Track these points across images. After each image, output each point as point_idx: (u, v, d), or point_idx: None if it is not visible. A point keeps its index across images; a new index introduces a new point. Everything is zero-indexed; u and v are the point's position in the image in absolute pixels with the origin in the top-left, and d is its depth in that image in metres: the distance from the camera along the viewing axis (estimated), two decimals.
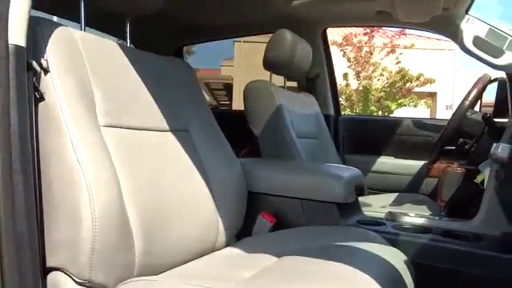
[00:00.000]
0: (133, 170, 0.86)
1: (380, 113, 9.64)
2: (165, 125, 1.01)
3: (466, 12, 1.56)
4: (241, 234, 1.15)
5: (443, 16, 1.53)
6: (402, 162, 2.03)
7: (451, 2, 1.38)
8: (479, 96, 1.60)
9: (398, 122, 2.09)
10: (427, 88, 10.23)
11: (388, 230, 1.16)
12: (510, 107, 1.70)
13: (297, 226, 1.16)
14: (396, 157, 2.06)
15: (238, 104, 8.22)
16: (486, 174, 1.41)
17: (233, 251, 1.04)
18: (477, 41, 1.63)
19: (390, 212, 1.38)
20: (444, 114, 11.04)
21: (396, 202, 1.78)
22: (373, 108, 9.63)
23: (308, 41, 1.78)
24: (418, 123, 2.03)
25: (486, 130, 1.44)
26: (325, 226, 1.14)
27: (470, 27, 1.64)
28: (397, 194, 1.89)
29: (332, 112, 2.18)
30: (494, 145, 1.19)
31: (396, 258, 0.91)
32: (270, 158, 1.58)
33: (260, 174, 1.29)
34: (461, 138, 1.52)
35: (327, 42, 2.12)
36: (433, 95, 11.45)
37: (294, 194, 1.23)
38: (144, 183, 0.88)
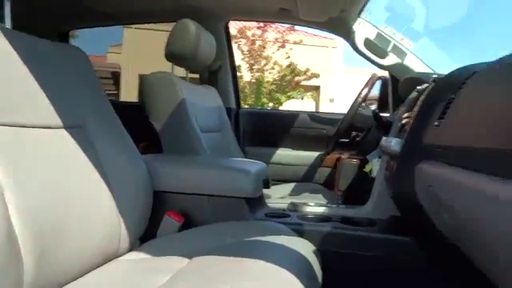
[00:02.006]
0: (22, 174, 0.74)
1: (271, 104, 10.06)
2: (57, 121, 0.89)
3: (359, 15, 1.69)
4: (144, 236, 1.08)
5: (339, 17, 1.63)
6: (299, 153, 2.13)
7: (347, 4, 1.48)
8: (369, 93, 1.76)
9: (295, 115, 2.19)
10: (312, 82, 10.98)
11: (294, 221, 1.21)
12: (390, 102, 1.89)
13: (206, 223, 1.13)
14: (293, 148, 2.15)
15: (126, 95, 7.75)
16: (373, 164, 1.55)
17: (139, 256, 0.97)
18: (367, 42, 1.78)
19: (292, 203, 1.43)
20: (327, 106, 11.98)
21: (294, 192, 1.87)
22: (264, 100, 10.01)
23: (210, 33, 1.75)
24: (314, 117, 2.15)
25: (374, 124, 1.58)
26: (234, 222, 1.13)
27: (362, 29, 1.78)
28: (293, 184, 1.99)
29: (233, 105, 2.18)
30: (384, 138, 1.31)
31: (305, 248, 0.94)
32: (174, 154, 1.52)
33: (165, 171, 1.23)
34: (353, 131, 1.66)
35: (229, 34, 2.11)
36: (317, 88, 12.32)
37: (202, 191, 1.19)
38: (35, 189, 0.76)
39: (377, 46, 1.89)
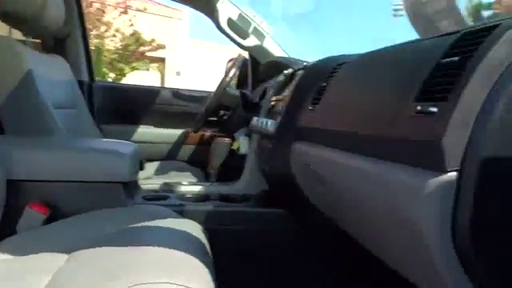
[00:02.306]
0: None
1: (112, 75, 9.41)
2: None
3: None
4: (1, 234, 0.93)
5: None
6: (161, 131, 2.08)
7: None
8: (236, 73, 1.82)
9: (156, 91, 2.11)
10: (158, 53, 10.65)
11: (174, 203, 1.19)
12: (249, 82, 1.99)
13: (77, 213, 1.02)
14: (155, 126, 2.09)
15: None
16: (241, 142, 1.63)
17: (1, 257, 0.83)
18: (229, 22, 1.82)
19: (165, 183, 1.41)
20: (173, 79, 11.82)
21: (159, 172, 1.83)
22: (105, 70, 9.28)
23: None
24: (176, 94, 2.11)
25: (241, 104, 1.66)
26: (111, 209, 1.06)
27: (225, 9, 1.81)
28: (156, 163, 1.94)
29: (86, 78, 1.98)
30: (254, 118, 1.39)
31: (192, 227, 0.95)
32: (24, 135, 1.31)
33: (18, 156, 1.06)
34: (221, 110, 1.70)
35: None
36: (163, 60, 12.02)
37: (70, 178, 1.07)
38: None
39: (239, 27, 1.95)
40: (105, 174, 1.09)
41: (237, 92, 1.69)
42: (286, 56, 1.95)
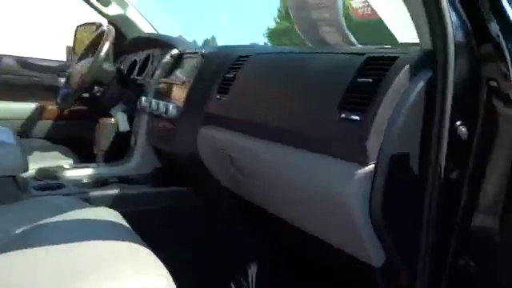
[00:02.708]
0: None
1: None
2: None
3: None
4: None
5: None
6: (9, 105, 1.82)
7: None
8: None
9: None
10: None
11: (74, 191, 1.14)
12: (111, 55, 1.91)
13: None
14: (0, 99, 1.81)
15: None
16: (119, 118, 1.60)
17: None
18: None
19: (40, 169, 1.31)
20: None
21: None
22: None
23: None
24: (24, 63, 1.86)
25: (116, 79, 1.60)
26: (5, 206, 0.96)
27: None
28: None
29: None
30: (143, 98, 1.40)
31: (113, 215, 0.94)
32: None
33: None
34: (95, 86, 1.60)
35: None
36: None
37: None
38: None
39: None
40: None
41: (111, 67, 1.61)
42: (155, 32, 1.93)
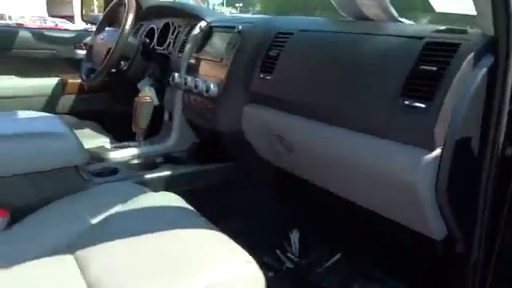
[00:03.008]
0: None
1: None
2: None
3: None
4: None
5: None
6: (29, 81, 1.80)
7: None
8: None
9: (12, 32, 1.76)
10: None
11: (130, 175, 1.18)
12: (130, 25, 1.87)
13: (38, 207, 0.95)
14: (19, 76, 1.79)
15: None
16: (146, 91, 1.61)
17: None
18: None
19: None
20: None
21: None
22: None
23: None
24: (40, 35, 1.81)
25: (140, 52, 1.58)
26: (78, 195, 1.00)
27: None
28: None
29: None
30: (176, 75, 1.40)
31: (178, 200, 0.98)
32: None
33: None
34: (122, 61, 1.58)
35: None
36: None
37: (16, 170, 0.96)
38: None
39: None
40: (55, 160, 1.01)
41: (135, 40, 1.59)
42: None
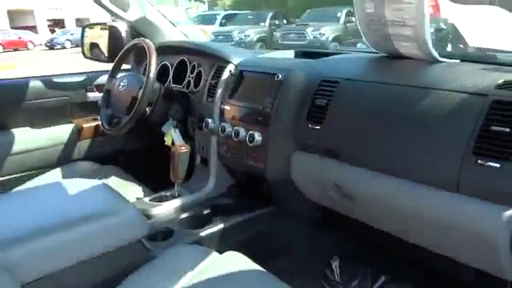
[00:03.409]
0: None
1: None
2: None
3: None
4: None
5: None
6: (43, 131, 1.76)
7: None
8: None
9: (24, 84, 1.71)
10: None
11: (185, 235, 1.19)
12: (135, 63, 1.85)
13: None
14: (33, 127, 1.75)
15: None
16: (173, 135, 1.60)
17: None
18: None
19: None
20: None
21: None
22: None
23: None
24: (51, 83, 1.77)
25: (162, 94, 1.57)
26: (146, 267, 1.00)
27: None
28: (56, 171, 1.69)
29: None
30: (209, 120, 1.40)
31: (246, 262, 1.01)
32: None
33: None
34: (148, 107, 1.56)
35: None
36: None
37: (84, 256, 0.95)
38: None
39: None
40: (119, 239, 1.00)
41: (157, 84, 1.57)
42: (187, 39, 1.86)
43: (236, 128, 1.30)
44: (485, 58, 1.18)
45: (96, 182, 1.17)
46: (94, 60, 2.04)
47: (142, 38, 1.65)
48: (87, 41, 2.09)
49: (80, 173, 1.70)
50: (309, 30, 9.33)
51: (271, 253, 1.32)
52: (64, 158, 1.78)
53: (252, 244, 1.27)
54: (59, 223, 0.95)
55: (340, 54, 1.35)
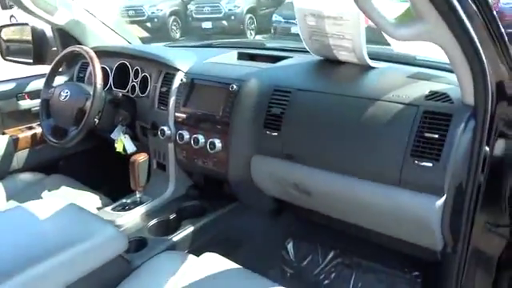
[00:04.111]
0: None
1: None
2: None
3: None
4: None
5: None
6: None
7: None
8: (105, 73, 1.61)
9: None
10: None
11: (159, 243, 1.25)
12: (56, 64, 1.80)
13: None
14: None
15: None
16: (124, 141, 1.62)
17: None
18: None
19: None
20: None
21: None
22: None
23: None
24: None
25: (107, 101, 1.56)
26: (128, 280, 1.06)
27: None
28: None
29: None
30: (165, 128, 1.44)
31: (224, 262, 1.12)
32: None
33: None
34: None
35: None
36: None
37: (72, 278, 0.98)
38: None
39: (44, 1, 1.63)
40: (103, 257, 1.04)
41: (103, 93, 1.54)
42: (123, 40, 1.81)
43: (194, 136, 1.37)
44: (406, 59, 1.38)
45: (61, 201, 1.17)
46: (17, 63, 1.92)
47: (80, 46, 1.61)
48: (6, 42, 1.94)
49: (24, 184, 1.64)
50: (223, 3, 9.23)
51: (236, 246, 1.45)
52: (2, 171, 1.69)
53: (219, 241, 1.38)
54: (42, 251, 0.96)
55: (283, 59, 1.46)
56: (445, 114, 1.00)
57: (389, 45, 1.49)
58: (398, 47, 1.42)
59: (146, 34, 9.05)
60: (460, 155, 0.98)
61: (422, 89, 1.08)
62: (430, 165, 0.99)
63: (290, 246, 1.66)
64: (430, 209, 1.01)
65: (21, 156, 1.75)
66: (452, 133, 0.98)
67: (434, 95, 1.05)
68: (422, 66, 1.28)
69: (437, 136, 0.99)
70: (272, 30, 8.66)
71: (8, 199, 1.56)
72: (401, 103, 1.07)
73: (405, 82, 1.15)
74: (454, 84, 1.03)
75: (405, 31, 0.87)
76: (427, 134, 1.00)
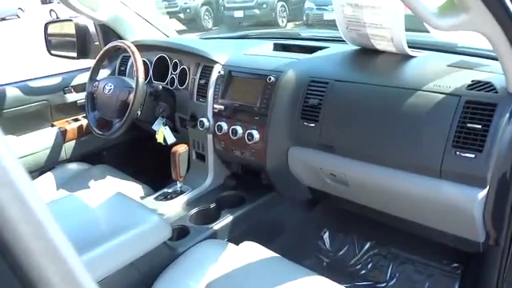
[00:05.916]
0: None
1: None
2: None
3: None
4: None
5: None
6: (26, 137, 1.74)
7: None
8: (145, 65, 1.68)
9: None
10: None
11: (200, 231, 1.31)
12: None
13: None
14: (15, 134, 1.73)
15: None
16: (164, 133, 1.67)
17: None
18: None
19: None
20: None
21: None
22: None
23: None
24: (25, 88, 1.73)
25: (149, 93, 1.62)
26: (176, 269, 1.12)
27: None
28: (48, 175, 1.71)
29: None
30: (204, 120, 1.48)
31: (263, 250, 1.15)
32: None
33: None
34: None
35: None
36: None
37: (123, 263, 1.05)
38: None
39: None
40: (149, 244, 1.10)
41: (144, 86, 1.60)
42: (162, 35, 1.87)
43: (233, 127, 1.40)
44: (446, 47, 1.35)
45: (109, 191, 1.24)
46: (62, 57, 2.01)
47: (122, 41, 1.67)
48: (52, 37, 2.04)
49: (72, 174, 1.73)
50: None
51: (273, 235, 1.48)
52: (52, 162, 1.79)
53: (258, 230, 1.41)
54: (95, 238, 1.03)
55: (319, 49, 1.46)
56: (488, 103, 0.97)
57: (428, 32, 1.46)
58: (437, 35, 1.38)
59: (179, 25, 9.18)
60: (504, 146, 0.96)
61: (464, 78, 1.06)
62: (472, 156, 0.97)
63: (326, 236, 1.67)
64: (472, 200, 0.99)
65: (68, 147, 1.84)
66: (496, 123, 0.95)
67: (476, 84, 1.03)
68: (464, 54, 1.25)
69: (479, 126, 0.97)
70: (304, 18, 8.56)
71: (58, 188, 1.66)
72: (442, 93, 1.05)
73: (446, 70, 1.13)
74: (499, 72, 1.00)
75: (448, 21, 0.85)
76: (470, 125, 0.99)
